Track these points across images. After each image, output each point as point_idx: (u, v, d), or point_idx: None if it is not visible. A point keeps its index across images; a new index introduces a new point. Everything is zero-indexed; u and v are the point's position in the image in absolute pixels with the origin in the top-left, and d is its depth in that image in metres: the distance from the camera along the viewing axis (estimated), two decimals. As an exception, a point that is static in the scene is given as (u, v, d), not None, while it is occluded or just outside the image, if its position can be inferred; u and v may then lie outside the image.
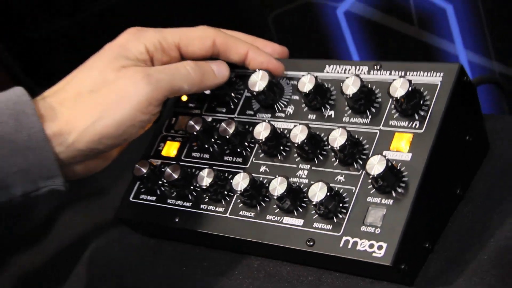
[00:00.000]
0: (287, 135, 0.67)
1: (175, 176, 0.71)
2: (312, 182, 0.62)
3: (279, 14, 0.87)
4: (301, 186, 0.65)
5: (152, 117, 0.69)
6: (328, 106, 0.68)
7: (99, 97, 0.68)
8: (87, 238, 0.86)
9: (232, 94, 0.75)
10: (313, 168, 0.65)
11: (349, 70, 0.68)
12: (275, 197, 0.63)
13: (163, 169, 0.74)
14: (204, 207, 0.71)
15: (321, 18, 0.89)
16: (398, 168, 0.58)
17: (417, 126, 0.60)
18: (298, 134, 0.64)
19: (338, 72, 0.69)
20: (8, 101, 0.65)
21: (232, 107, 0.75)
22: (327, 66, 0.70)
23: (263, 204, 0.67)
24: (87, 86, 0.68)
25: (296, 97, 0.70)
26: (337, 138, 0.61)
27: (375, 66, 0.66)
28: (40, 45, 1.21)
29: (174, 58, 0.72)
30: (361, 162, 0.62)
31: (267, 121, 0.68)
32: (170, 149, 0.77)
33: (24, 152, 0.64)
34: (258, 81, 0.69)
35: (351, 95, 0.63)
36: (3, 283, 0.87)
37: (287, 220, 0.64)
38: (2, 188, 0.64)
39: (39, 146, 0.64)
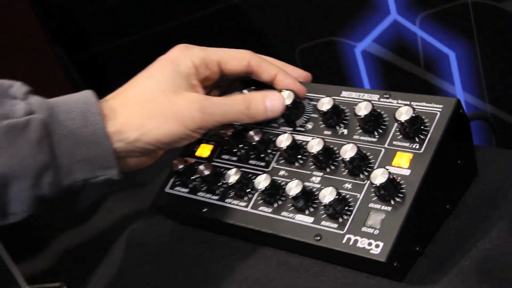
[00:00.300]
0: (305, 146, 0.68)
1: (206, 172, 0.73)
2: (323, 187, 0.63)
3: (304, 48, 0.88)
4: (313, 190, 0.65)
5: (201, 135, 0.72)
6: (342, 125, 0.69)
7: (158, 108, 0.69)
8: (126, 222, 0.87)
9: None
10: (325, 175, 0.66)
11: (362, 96, 0.69)
12: (290, 197, 0.64)
13: (196, 167, 0.75)
14: (229, 201, 0.72)
15: (341, 54, 0.91)
16: (398, 181, 0.59)
17: (417, 147, 0.61)
18: (315, 145, 0.65)
19: (352, 97, 0.70)
20: (78, 101, 0.66)
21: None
22: (343, 91, 0.71)
23: (280, 203, 0.68)
24: (146, 95, 0.70)
25: (315, 115, 0.71)
26: (348, 152, 0.62)
27: (385, 95, 0.67)
28: (100, 59, 1.23)
29: (215, 72, 0.73)
30: (366, 174, 0.63)
31: (288, 133, 0.69)
32: (204, 150, 0.78)
33: (88, 145, 0.65)
34: (285, 99, 0.70)
35: (362, 117, 0.64)
36: (49, 258, 0.87)
37: (299, 217, 0.65)
38: (67, 173, 0.66)
39: (100, 140, 0.66)
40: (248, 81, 0.77)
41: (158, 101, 0.69)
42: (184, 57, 0.71)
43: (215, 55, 0.73)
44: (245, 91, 0.76)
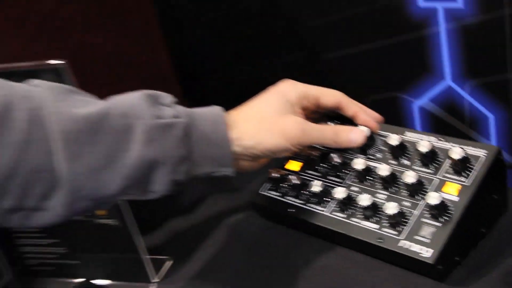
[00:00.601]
0: (374, 170, 0.73)
1: (295, 182, 0.78)
2: (387, 202, 0.68)
3: (374, 98, 0.93)
4: (379, 204, 0.70)
5: (299, 150, 0.75)
6: (404, 157, 0.73)
7: (270, 125, 0.73)
8: (225, 214, 0.90)
9: None
10: (389, 194, 0.71)
11: (422, 137, 0.73)
12: (361, 207, 0.69)
13: (286, 176, 0.79)
14: (311, 205, 0.76)
15: (402, 106, 0.95)
16: (447, 204, 0.64)
17: (464, 180, 0.66)
18: (383, 170, 0.70)
19: (414, 137, 0.74)
20: (211, 112, 0.72)
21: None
22: (406, 132, 0.75)
23: (351, 211, 0.72)
24: (261, 114, 0.74)
25: (384, 148, 0.75)
26: (409, 177, 0.67)
27: (440, 138, 0.72)
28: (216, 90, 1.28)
29: (312, 105, 0.78)
30: (422, 195, 0.67)
31: (362, 158, 0.74)
32: (293, 165, 0.83)
33: (215, 146, 0.70)
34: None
35: (423, 153, 0.69)
36: (160, 236, 0.90)
37: (366, 223, 0.70)
38: (197, 166, 0.70)
39: (224, 144, 0.70)
40: (332, 116, 0.81)
41: (270, 120, 0.73)
42: (291, 90, 0.76)
43: (314, 91, 0.77)
44: (330, 123, 0.80)
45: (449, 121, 0.93)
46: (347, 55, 1.01)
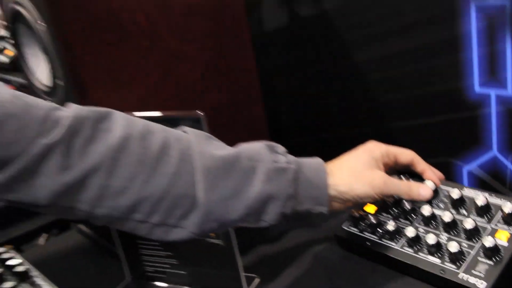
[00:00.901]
0: (438, 216, 0.75)
1: (373, 221, 0.80)
2: (449, 242, 0.70)
3: (432, 162, 0.91)
4: (442, 243, 0.72)
5: (380, 197, 0.76)
6: (463, 208, 0.75)
7: (360, 177, 0.75)
8: (310, 244, 0.90)
9: None
10: (450, 236, 0.73)
11: (478, 193, 0.76)
12: (427, 244, 0.72)
13: (366, 216, 0.81)
14: (385, 241, 0.78)
15: (453, 170, 0.95)
16: (499, 247, 0.67)
17: None
18: (445, 216, 0.73)
19: (471, 193, 0.77)
20: (314, 162, 0.74)
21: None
22: (465, 188, 0.78)
23: (418, 247, 0.74)
24: (353, 167, 0.76)
25: (445, 199, 0.78)
26: (468, 224, 0.70)
27: (492, 194, 0.75)
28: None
29: (391, 162, 0.79)
30: (477, 239, 0.70)
31: (428, 206, 0.77)
32: (370, 207, 0.84)
33: (316, 189, 0.72)
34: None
35: (480, 205, 0.72)
36: (246, 262, 0.87)
37: (431, 258, 0.72)
38: (300, 203, 0.71)
39: (323, 188, 0.72)
40: (402, 171, 0.83)
41: (360, 172, 0.75)
42: (376, 149, 0.78)
43: (394, 150, 0.79)
44: (402, 176, 0.82)
45: (493, 184, 0.93)
46: (412, 125, 1.02)
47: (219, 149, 0.69)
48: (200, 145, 0.68)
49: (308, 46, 1.15)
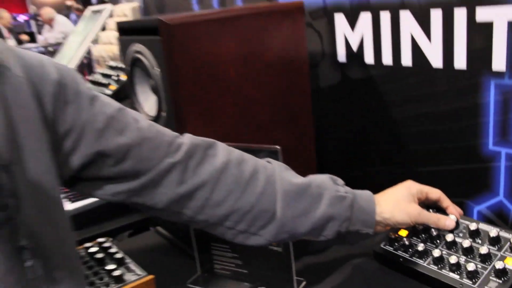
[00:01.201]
0: (458, 242, 0.79)
1: (405, 242, 0.83)
2: (466, 263, 0.75)
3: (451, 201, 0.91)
4: (461, 263, 0.76)
5: (413, 224, 0.79)
6: (479, 237, 0.79)
7: (400, 208, 0.78)
8: (351, 257, 0.93)
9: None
10: (467, 258, 0.78)
11: (491, 228, 0.80)
12: (449, 263, 0.76)
13: (400, 238, 0.85)
14: (415, 259, 0.82)
15: (465, 209, 0.97)
16: (507, 270, 0.72)
17: None
18: (465, 242, 0.78)
19: (485, 226, 0.81)
20: (366, 194, 0.78)
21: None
22: (480, 223, 0.82)
23: (442, 264, 0.78)
24: (396, 199, 0.79)
25: (464, 230, 0.81)
26: (482, 249, 0.75)
27: (501, 229, 0.79)
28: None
29: (423, 198, 0.82)
30: (490, 262, 0.75)
31: (451, 233, 0.81)
32: (403, 232, 0.87)
33: (366, 214, 0.76)
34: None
35: (492, 237, 0.77)
36: (295, 269, 0.86)
37: (452, 274, 0.77)
38: (353, 225, 0.75)
39: (372, 214, 0.76)
40: (430, 205, 0.85)
41: (401, 204, 0.79)
42: (413, 187, 0.82)
43: (426, 189, 0.82)
44: (430, 209, 0.85)
45: (497, 223, 0.95)
46: (437, 170, 1.05)
47: (295, 177, 0.75)
48: (281, 173, 0.73)
49: (354, 101, 1.20)
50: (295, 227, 0.72)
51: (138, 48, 1.05)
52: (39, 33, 6.97)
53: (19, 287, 0.53)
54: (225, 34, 1.00)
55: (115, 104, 0.68)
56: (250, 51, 1.03)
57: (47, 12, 6.52)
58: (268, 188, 0.70)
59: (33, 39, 6.81)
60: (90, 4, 8.80)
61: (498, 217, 0.96)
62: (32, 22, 9.28)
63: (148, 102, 1.10)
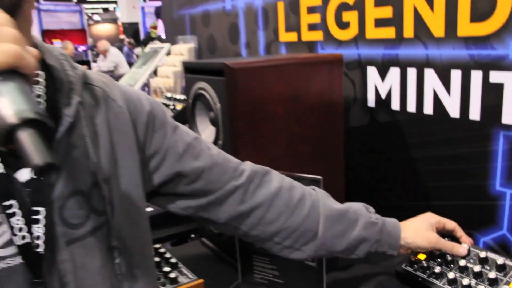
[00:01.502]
0: (470, 268, 0.80)
1: (424, 264, 0.84)
2: (477, 285, 0.77)
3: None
4: (472, 285, 0.78)
5: (432, 250, 0.81)
6: (487, 264, 0.81)
7: (422, 235, 0.79)
8: (373, 275, 0.94)
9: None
10: (478, 282, 0.78)
11: (498, 256, 0.81)
12: (462, 284, 0.78)
13: (419, 261, 0.85)
14: (432, 279, 0.83)
15: (473, 239, 0.92)
16: None
17: None
18: (475, 267, 0.79)
19: (492, 256, 0.82)
20: (393, 221, 0.80)
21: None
22: (489, 252, 0.83)
23: (455, 286, 0.79)
24: (417, 227, 0.81)
25: (475, 257, 0.83)
26: (491, 274, 0.77)
27: (507, 258, 0.80)
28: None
29: (440, 228, 0.84)
30: (496, 286, 0.77)
31: (463, 259, 0.82)
32: (422, 255, 0.87)
33: (392, 238, 0.78)
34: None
35: (499, 264, 0.79)
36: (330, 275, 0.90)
37: None
38: (380, 246, 0.77)
39: (397, 239, 0.79)
40: (446, 234, 0.85)
41: (422, 232, 0.81)
42: (432, 218, 0.83)
43: (443, 220, 0.84)
44: (446, 238, 0.86)
45: (500, 252, 0.96)
46: (448, 205, 1.07)
47: (335, 203, 0.78)
48: (324, 199, 0.77)
49: (381, 141, 1.23)
50: (333, 245, 0.75)
51: (202, 85, 1.12)
52: (94, 61, 7.21)
53: (109, 281, 0.57)
54: (276, 78, 1.07)
55: (192, 133, 0.72)
56: (296, 93, 1.09)
57: (103, 44, 6.77)
58: (312, 211, 0.74)
59: (88, 67, 7.07)
60: (139, 39, 9.09)
61: (501, 248, 0.98)
62: (89, 52, 9.64)
63: (206, 131, 1.16)
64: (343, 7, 1.23)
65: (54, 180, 0.52)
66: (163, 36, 2.35)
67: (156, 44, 2.37)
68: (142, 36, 8.81)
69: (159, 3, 8.66)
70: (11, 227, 0.49)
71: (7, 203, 0.48)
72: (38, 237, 0.50)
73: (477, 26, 0.92)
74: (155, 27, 7.08)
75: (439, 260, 0.85)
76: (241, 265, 1.00)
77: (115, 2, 13.35)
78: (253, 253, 0.98)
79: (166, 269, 1.00)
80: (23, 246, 0.49)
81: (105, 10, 16.67)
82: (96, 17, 15.25)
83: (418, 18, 1.04)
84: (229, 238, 1.06)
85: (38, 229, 0.50)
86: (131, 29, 10.00)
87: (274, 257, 0.95)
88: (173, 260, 1.05)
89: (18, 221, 0.49)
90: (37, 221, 0.50)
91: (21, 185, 0.50)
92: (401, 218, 0.84)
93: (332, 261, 0.90)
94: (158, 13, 8.24)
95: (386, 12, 1.11)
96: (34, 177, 0.50)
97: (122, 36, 8.23)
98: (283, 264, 0.94)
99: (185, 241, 1.31)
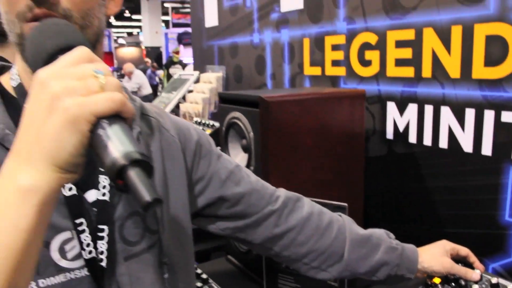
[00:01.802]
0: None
1: (439, 287, 0.81)
2: None
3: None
4: None
5: (446, 274, 0.79)
6: (493, 283, 0.79)
7: (438, 261, 0.79)
8: None
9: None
10: None
11: (508, 283, 0.78)
12: None
13: (434, 285, 0.83)
14: None
15: (483, 265, 0.90)
16: None
17: None
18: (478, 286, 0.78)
19: (503, 282, 0.79)
20: (411, 247, 0.80)
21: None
22: (494, 277, 0.79)
23: None
24: (434, 254, 0.80)
25: (486, 282, 0.81)
26: None
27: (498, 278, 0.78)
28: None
29: (454, 254, 0.83)
30: None
31: (476, 284, 0.80)
32: (437, 279, 0.84)
33: (410, 263, 0.78)
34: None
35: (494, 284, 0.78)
36: None
37: None
38: (399, 270, 0.76)
39: (415, 263, 0.78)
40: (459, 260, 0.83)
41: (438, 257, 0.80)
42: (447, 245, 0.83)
43: (457, 247, 0.83)
44: (460, 264, 0.83)
45: (508, 278, 0.87)
46: (460, 232, 1.08)
47: (359, 229, 0.80)
48: (349, 225, 0.79)
49: (398, 171, 1.25)
50: (357, 267, 0.76)
51: (236, 115, 1.18)
52: (119, 82, 7.34)
53: None
54: (304, 111, 1.13)
55: (234, 162, 0.75)
56: (322, 125, 1.15)
57: (128, 66, 6.96)
58: (339, 235, 0.76)
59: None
60: (161, 62, 9.27)
61: (509, 274, 0.99)
62: (115, 73, 9.88)
63: (237, 157, 1.21)
64: (365, 47, 1.27)
65: (116, 201, 0.55)
66: (184, 61, 2.40)
67: (177, 68, 2.43)
68: (164, 60, 9.01)
69: (181, 30, 8.93)
70: (81, 242, 0.52)
71: (78, 220, 0.52)
72: (102, 252, 0.53)
73: (490, 70, 0.95)
74: (177, 52, 7.27)
75: (453, 284, 0.84)
76: (267, 283, 1.01)
77: (139, 27, 13.59)
78: (279, 271, 1.00)
79: (198, 284, 1.04)
80: (90, 260, 0.52)
81: (129, 34, 17.00)
82: (121, 41, 15.55)
83: (436, 60, 1.07)
84: (255, 256, 1.09)
85: (103, 245, 0.53)
86: (154, 53, 10.22)
87: (298, 276, 0.97)
88: (204, 276, 1.09)
89: (86, 237, 0.52)
90: (102, 238, 0.53)
91: (89, 204, 0.53)
92: (416, 244, 0.84)
93: (352, 282, 0.91)
94: (180, 39, 8.51)
95: (406, 53, 1.15)
96: (100, 198, 0.54)
97: (146, 59, 8.43)
98: (307, 283, 0.96)
99: (208, 258, 1.33)
